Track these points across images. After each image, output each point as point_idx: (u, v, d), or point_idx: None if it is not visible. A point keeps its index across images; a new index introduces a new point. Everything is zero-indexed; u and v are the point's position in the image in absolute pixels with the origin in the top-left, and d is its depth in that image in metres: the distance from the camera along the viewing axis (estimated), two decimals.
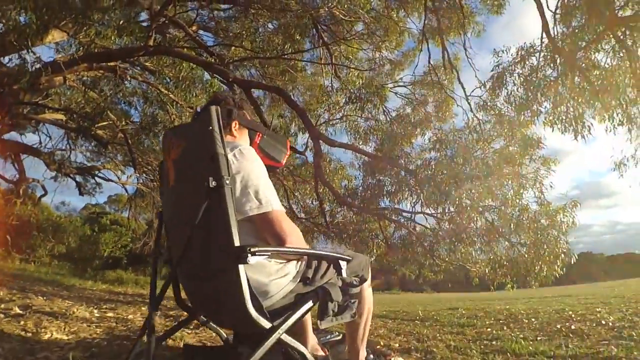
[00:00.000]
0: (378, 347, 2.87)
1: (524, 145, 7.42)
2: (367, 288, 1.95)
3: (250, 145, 1.79)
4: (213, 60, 6.58)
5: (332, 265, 1.59)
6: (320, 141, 6.57)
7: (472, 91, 7.26)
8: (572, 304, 8.10)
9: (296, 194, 9.28)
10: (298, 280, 1.46)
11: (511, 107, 6.99)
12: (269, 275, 1.37)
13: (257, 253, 1.15)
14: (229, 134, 1.64)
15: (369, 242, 8.45)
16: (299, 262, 1.51)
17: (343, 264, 1.62)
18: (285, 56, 7.12)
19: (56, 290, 6.30)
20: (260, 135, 1.86)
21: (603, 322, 4.87)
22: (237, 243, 1.16)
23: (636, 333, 3.85)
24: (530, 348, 3.35)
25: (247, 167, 1.35)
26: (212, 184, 1.16)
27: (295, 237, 1.41)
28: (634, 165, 7.14)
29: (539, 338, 4.05)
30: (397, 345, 3.85)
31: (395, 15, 8.42)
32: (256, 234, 1.40)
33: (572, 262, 7.81)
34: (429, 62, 7.99)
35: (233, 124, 1.65)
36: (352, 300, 1.64)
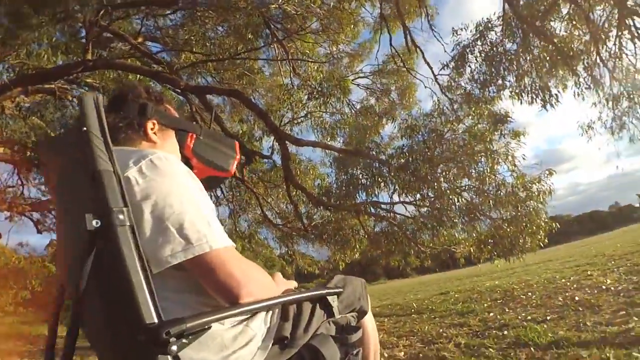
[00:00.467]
0: None
1: (493, 122, 7.13)
2: (368, 320, 1.42)
3: (182, 152, 1.20)
4: (161, 69, 5.89)
5: (317, 305, 1.07)
6: (287, 142, 6.03)
7: (440, 69, 6.86)
8: (559, 269, 7.94)
9: (269, 200, 8.65)
10: (271, 344, 0.91)
11: (476, 84, 6.66)
12: (222, 349, 0.82)
13: (187, 333, 0.60)
14: (143, 140, 1.04)
15: (351, 238, 7.96)
16: (269, 314, 0.97)
17: (333, 299, 1.12)
18: (239, 56, 6.50)
19: (17, 345, 5.44)
20: (194, 136, 1.26)
21: (604, 287, 4.58)
22: (150, 318, 0.61)
23: None
24: (550, 335, 2.94)
25: (161, 187, 0.80)
26: (93, 224, 0.60)
27: (255, 286, 0.85)
28: (601, 126, 6.98)
29: (548, 317, 3.68)
30: (402, 354, 3.36)
31: (348, 6, 7.93)
32: (192, 287, 0.83)
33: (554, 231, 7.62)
34: (390, 44, 7.54)
35: (149, 125, 1.05)
36: (355, 351, 1.08)
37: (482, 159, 7.29)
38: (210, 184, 1.42)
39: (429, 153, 6.75)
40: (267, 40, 7.18)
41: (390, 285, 23.27)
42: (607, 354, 2.20)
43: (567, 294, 4.77)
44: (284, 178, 6.30)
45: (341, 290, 1.17)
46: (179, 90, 5.77)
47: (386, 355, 3.36)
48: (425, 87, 7.54)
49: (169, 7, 5.84)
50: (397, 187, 6.73)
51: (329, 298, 1.10)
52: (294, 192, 7.55)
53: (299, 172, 7.73)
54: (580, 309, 3.75)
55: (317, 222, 7.86)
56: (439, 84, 7.07)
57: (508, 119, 7.02)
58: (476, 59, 6.47)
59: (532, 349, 2.69)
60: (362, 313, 1.30)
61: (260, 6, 6.66)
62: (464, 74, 6.68)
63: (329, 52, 8.40)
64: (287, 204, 8.09)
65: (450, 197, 7.10)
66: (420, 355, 3.17)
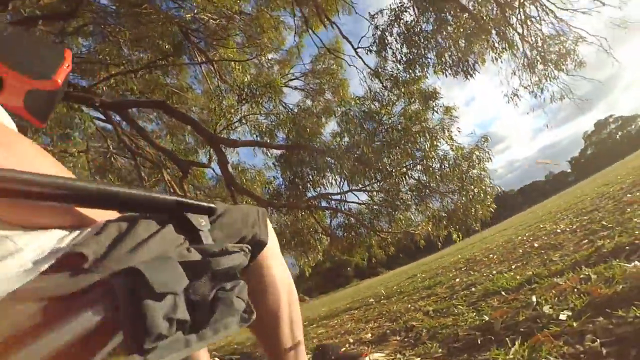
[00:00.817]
0: (343, 350, 1.80)
1: (424, 99, 6.95)
2: (273, 257, 0.94)
3: None
4: (72, 89, 5.15)
5: (170, 225, 0.63)
6: (223, 146, 5.44)
7: (359, 41, 6.63)
8: (515, 233, 7.74)
9: None
10: (48, 265, 0.45)
11: (400, 65, 6.47)
12: None
13: None
14: None
15: (310, 239, 7.39)
16: (73, 233, 0.52)
17: (199, 219, 0.68)
18: (158, 63, 5.87)
19: None
20: None
21: (559, 230, 4.30)
22: None
23: (606, 221, 3.23)
24: (519, 278, 2.52)
25: None
26: None
27: None
28: (526, 92, 7.02)
29: (513, 267, 3.28)
30: (369, 335, 2.81)
31: (267, 13, 7.59)
32: None
33: (499, 195, 7.52)
34: (307, 28, 7.11)
35: None
36: (231, 285, 0.62)
37: (421, 138, 7.09)
38: (35, 105, 0.86)
39: (368, 138, 6.42)
40: (189, 50, 6.65)
41: (362, 285, 22.71)
42: (587, 273, 1.77)
43: (526, 246, 4.46)
44: (226, 184, 5.66)
45: (213, 206, 0.73)
46: (93, 107, 5.03)
47: (351, 340, 2.80)
48: (350, 65, 7.27)
49: (67, 20, 5.12)
50: (344, 174, 6.31)
51: (192, 217, 0.66)
52: (243, 201, 6.92)
53: (244, 180, 7.11)
54: (543, 251, 3.40)
55: (274, 228, 7.22)
56: (360, 57, 6.81)
57: (437, 94, 6.88)
58: (396, 41, 6.29)
59: (503, 293, 2.24)
60: (258, 244, 0.84)
61: (174, 17, 6.15)
62: (387, 56, 6.46)
63: (257, 61, 7.99)
64: None
65: (398, 177, 6.81)
66: (388, 331, 2.62)
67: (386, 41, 6.35)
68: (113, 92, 6.51)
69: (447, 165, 7.06)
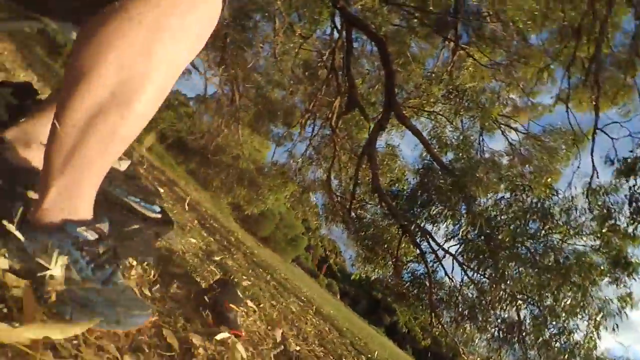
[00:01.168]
0: (237, 303, 1.33)
1: (614, 262, 5.17)
2: (137, 19, 0.55)
3: None
4: None
5: None
6: (393, 114, 5.06)
7: (604, 125, 5.14)
8: None
9: (343, 174, 7.75)
10: None
11: (629, 206, 4.75)
12: None
13: None
14: None
15: (381, 256, 6.68)
16: None
17: None
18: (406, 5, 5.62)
19: None
20: None
21: None
22: None
23: None
24: None
25: None
26: None
27: None
28: None
29: None
30: (297, 348, 2.28)
31: (543, 54, 6.48)
32: None
33: None
34: (567, 98, 5.80)
35: None
36: None
37: (569, 292, 5.40)
38: None
39: (518, 234, 5.12)
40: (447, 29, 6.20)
41: (380, 338, 20.71)
42: None
43: None
44: (365, 145, 5.34)
45: None
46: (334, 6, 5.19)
47: (274, 316, 2.33)
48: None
49: None
50: (463, 236, 5.28)
51: None
52: (364, 175, 6.60)
53: (385, 162, 6.69)
54: None
55: (364, 216, 6.75)
56: (593, 140, 5.26)
57: (635, 270, 4.96)
58: None
59: None
60: None
61: None
62: (621, 184, 4.84)
63: (495, 85, 7.03)
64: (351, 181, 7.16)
65: (507, 297, 5.44)
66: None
67: (637, 168, 4.69)
68: (364, 16, 6.60)
69: (562, 340, 5.33)
